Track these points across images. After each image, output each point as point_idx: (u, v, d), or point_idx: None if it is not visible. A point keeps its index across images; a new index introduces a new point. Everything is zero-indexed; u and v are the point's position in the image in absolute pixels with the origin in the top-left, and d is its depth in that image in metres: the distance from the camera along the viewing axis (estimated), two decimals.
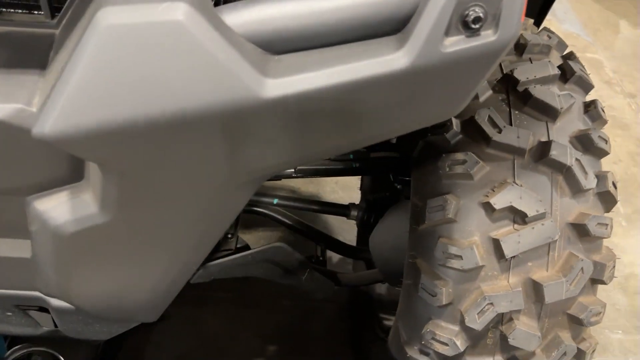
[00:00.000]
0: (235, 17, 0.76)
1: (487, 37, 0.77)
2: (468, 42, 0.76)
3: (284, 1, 0.77)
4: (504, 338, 1.22)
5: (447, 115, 0.86)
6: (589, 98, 1.40)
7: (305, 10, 0.77)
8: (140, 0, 0.71)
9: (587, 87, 1.39)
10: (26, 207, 0.91)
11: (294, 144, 0.82)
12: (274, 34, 0.77)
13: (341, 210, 1.89)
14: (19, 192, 0.89)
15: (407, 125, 0.85)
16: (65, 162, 0.86)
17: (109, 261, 0.96)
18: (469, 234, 1.21)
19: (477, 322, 1.19)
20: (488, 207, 1.20)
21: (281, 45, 0.78)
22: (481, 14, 0.75)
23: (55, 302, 1.13)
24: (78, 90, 0.71)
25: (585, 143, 1.28)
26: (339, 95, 0.76)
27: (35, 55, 0.85)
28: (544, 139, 1.24)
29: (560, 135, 1.26)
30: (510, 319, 1.22)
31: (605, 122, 1.36)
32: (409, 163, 1.47)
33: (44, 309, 1.28)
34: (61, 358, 1.30)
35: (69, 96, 0.72)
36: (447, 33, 0.75)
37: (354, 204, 1.88)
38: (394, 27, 0.79)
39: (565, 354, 1.25)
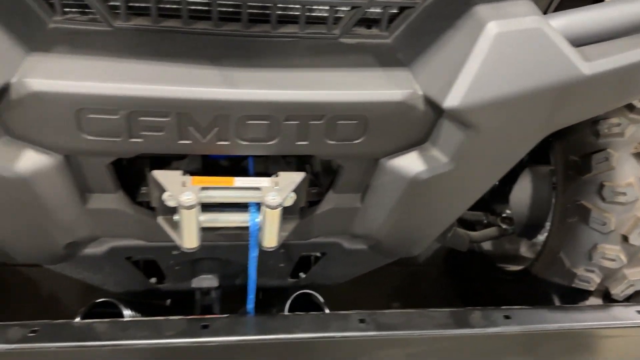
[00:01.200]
0: (556, 23, 1.16)
1: None
2: None
3: (585, 11, 1.18)
4: None
5: None
6: None
7: (599, 17, 1.18)
8: (506, 15, 1.10)
9: None
10: (378, 166, 1.26)
11: (581, 106, 1.22)
12: (579, 33, 1.18)
13: None
14: (379, 156, 1.25)
15: None
16: (421, 131, 1.22)
17: (431, 202, 1.33)
18: (626, 177, 1.65)
19: (639, 239, 1.64)
20: (639, 156, 1.64)
21: (580, 40, 1.18)
22: None
23: (348, 245, 1.48)
24: (478, 76, 1.09)
25: None
26: (626, 72, 1.17)
27: (385, 58, 1.21)
28: None
29: None
30: None
31: None
32: None
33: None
34: None
35: (473, 80, 1.09)
36: None
37: None
38: None
39: None
